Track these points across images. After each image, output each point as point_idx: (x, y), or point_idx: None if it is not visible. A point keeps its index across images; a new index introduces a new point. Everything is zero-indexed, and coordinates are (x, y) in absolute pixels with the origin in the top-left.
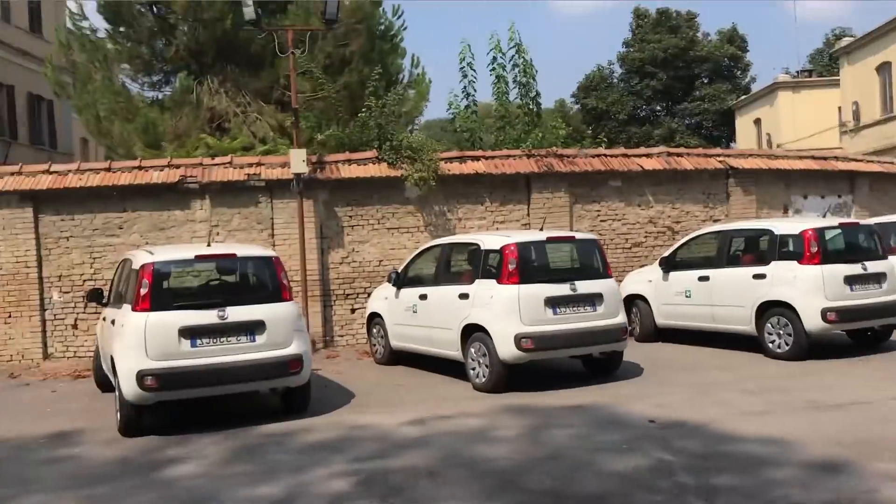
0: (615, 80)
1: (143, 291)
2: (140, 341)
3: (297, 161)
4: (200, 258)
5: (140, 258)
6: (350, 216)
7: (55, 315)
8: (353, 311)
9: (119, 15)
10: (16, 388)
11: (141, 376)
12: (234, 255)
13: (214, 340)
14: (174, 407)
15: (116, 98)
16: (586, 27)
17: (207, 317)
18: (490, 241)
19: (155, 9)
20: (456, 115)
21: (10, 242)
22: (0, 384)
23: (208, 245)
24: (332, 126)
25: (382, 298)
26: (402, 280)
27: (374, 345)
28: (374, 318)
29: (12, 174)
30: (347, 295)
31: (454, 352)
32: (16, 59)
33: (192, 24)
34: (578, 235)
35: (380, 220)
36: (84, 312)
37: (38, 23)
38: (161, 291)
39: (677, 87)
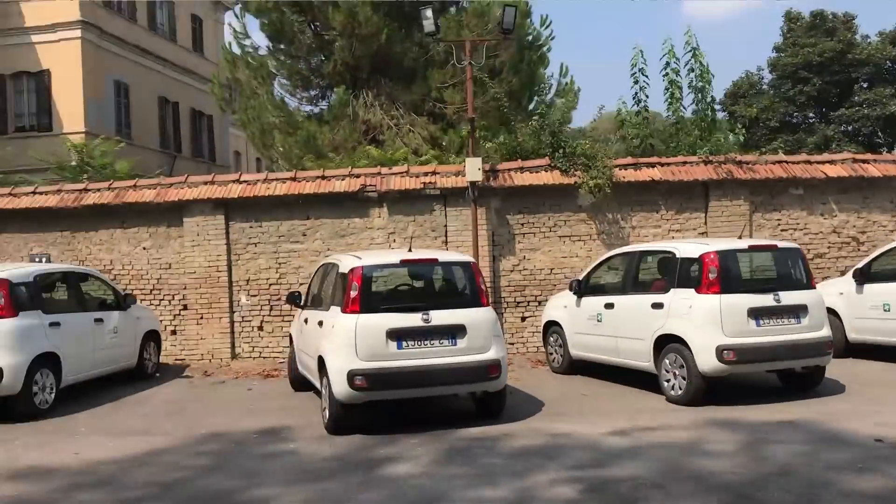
0: (765, 87)
1: (353, 294)
2: (350, 342)
3: (473, 169)
4: (405, 262)
5: (348, 262)
6: (521, 224)
7: (243, 317)
8: (523, 319)
9: (281, 32)
10: (213, 385)
11: (351, 376)
12: (435, 259)
13: (418, 343)
14: (374, 407)
15: (278, 112)
16: (722, 32)
17: (412, 319)
18: (686, 248)
19: (313, 26)
20: (626, 121)
21: (203, 248)
22: (197, 381)
23: (409, 250)
24: (502, 134)
25: (561, 307)
26: (583, 288)
27: (552, 353)
28: (552, 327)
29: (206, 183)
30: (518, 303)
31: (645, 363)
32: (181, 76)
33: (348, 40)
34: (781, 244)
35: (551, 227)
36: (269, 315)
37: (200, 42)
38: (369, 294)
39: (833, 93)
